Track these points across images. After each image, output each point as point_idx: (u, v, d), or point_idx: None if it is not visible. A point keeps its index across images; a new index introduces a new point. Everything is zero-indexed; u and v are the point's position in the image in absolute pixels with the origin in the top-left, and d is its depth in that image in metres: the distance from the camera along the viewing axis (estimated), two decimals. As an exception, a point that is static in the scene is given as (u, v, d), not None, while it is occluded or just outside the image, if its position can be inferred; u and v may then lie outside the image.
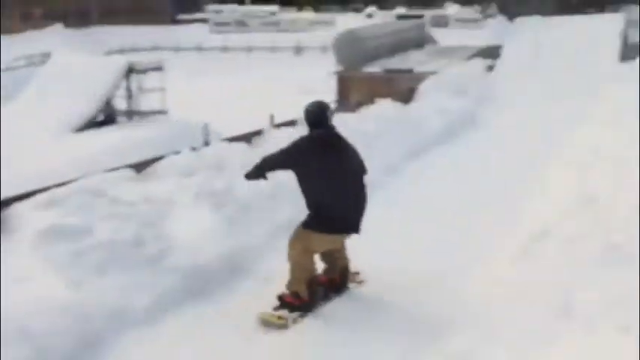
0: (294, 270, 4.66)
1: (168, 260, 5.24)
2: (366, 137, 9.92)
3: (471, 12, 47.78)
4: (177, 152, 7.91)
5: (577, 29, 17.26)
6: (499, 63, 16.98)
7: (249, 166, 4.88)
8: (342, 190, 4.56)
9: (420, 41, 23.01)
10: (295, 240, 4.68)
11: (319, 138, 4.60)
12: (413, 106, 13.12)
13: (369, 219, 5.01)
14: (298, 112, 5.37)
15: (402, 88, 15.39)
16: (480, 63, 17.34)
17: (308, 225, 4.66)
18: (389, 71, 17.65)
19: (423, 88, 14.62)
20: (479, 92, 14.73)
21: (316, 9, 58.34)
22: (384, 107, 12.04)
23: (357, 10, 58.81)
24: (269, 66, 35.92)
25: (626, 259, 4.53)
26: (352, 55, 18.62)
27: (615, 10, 52.28)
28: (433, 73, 16.02)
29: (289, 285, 4.70)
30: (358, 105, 12.69)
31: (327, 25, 46.79)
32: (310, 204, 4.68)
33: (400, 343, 4.29)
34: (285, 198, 6.45)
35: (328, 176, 4.52)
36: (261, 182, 4.99)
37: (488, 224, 6.95)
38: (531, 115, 13.39)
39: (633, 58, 16.01)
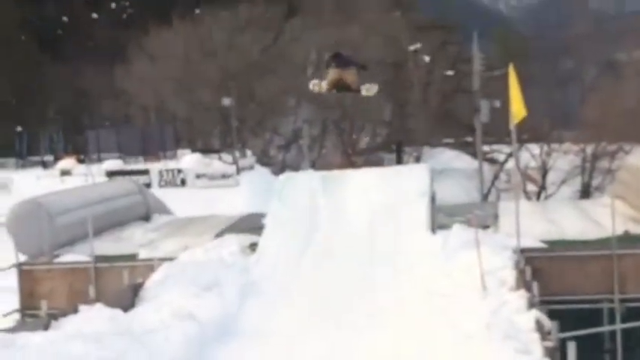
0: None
1: None
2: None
3: (218, 164, 50.13)
4: None
5: (370, 189, 18.81)
6: (264, 239, 17.75)
7: None
8: None
9: (145, 211, 23.44)
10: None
11: None
12: (138, 312, 13.04)
13: None
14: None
15: (120, 284, 15.30)
16: (237, 240, 17.99)
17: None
18: (99, 259, 17.57)
19: (153, 282, 14.69)
20: (238, 285, 15.14)
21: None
22: (94, 317, 11.83)
23: (46, 166, 58.93)
24: None
25: None
26: (39, 237, 18.31)
27: (417, 155, 58.61)
28: (167, 259, 16.23)
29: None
30: (53, 316, 12.37)
31: (-3, 190, 46.11)
32: None
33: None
34: None
35: None
36: None
37: None
38: (319, 319, 13.94)
39: (447, 225, 17.71)
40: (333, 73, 14.96)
